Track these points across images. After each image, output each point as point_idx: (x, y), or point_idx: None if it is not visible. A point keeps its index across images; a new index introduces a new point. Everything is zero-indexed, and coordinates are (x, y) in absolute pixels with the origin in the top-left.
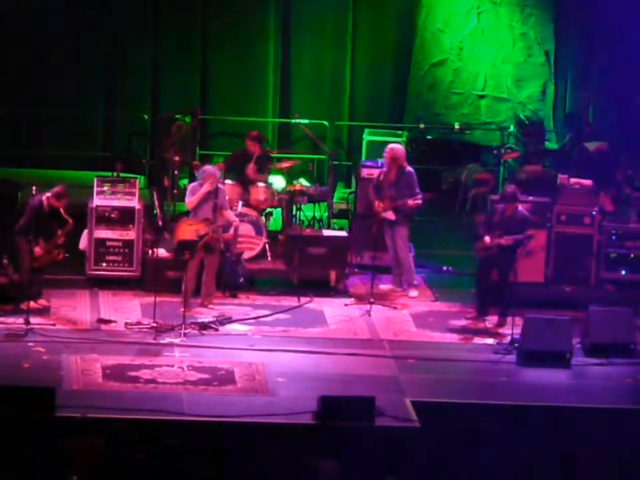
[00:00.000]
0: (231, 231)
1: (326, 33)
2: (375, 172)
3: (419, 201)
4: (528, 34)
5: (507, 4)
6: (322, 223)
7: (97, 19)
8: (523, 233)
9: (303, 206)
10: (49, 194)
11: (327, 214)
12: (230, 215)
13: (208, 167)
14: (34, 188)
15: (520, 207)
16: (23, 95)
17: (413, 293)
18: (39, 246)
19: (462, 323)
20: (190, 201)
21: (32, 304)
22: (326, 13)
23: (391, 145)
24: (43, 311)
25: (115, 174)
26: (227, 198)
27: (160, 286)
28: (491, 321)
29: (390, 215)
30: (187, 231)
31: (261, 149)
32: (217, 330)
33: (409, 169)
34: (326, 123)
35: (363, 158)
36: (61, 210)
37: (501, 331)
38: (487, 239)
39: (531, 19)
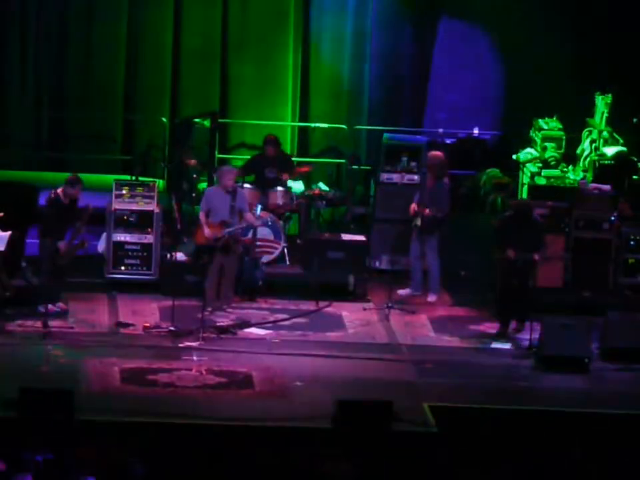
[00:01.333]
0: (250, 234)
1: (345, 37)
2: (394, 177)
3: (430, 212)
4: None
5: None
6: (340, 227)
7: (116, 21)
8: (541, 240)
9: (321, 210)
10: (62, 186)
11: (345, 218)
12: (251, 217)
13: (225, 167)
14: (52, 191)
15: (534, 217)
16: (42, 98)
17: (432, 298)
18: (62, 241)
19: (480, 327)
20: (201, 217)
21: (50, 307)
22: (345, 17)
23: (430, 153)
24: (62, 314)
25: (134, 177)
26: (246, 201)
27: (178, 290)
28: (510, 326)
29: (418, 222)
30: (206, 234)
31: (278, 152)
32: (235, 334)
33: (446, 180)
34: (345, 127)
35: (382, 162)
36: (78, 197)
37: (519, 335)
38: (511, 253)
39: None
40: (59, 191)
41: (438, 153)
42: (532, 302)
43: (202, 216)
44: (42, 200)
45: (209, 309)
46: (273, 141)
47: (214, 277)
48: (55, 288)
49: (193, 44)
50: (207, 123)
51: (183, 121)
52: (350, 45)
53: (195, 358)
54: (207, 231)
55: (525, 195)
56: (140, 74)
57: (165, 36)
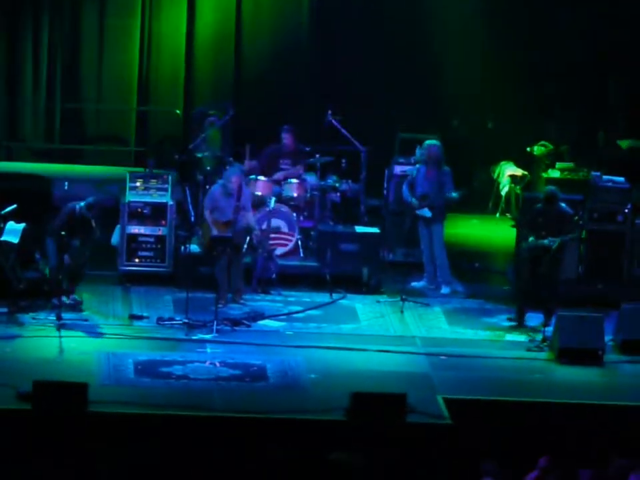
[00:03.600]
0: (264, 225)
1: (360, 26)
2: (408, 169)
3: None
4: None
5: None
6: (354, 220)
7: (130, 12)
8: (569, 231)
9: (335, 202)
10: (82, 203)
11: (359, 210)
12: (250, 218)
13: (230, 168)
14: (66, 183)
15: (563, 205)
16: (55, 90)
17: (445, 289)
18: (67, 254)
19: (494, 320)
20: (206, 215)
21: (64, 299)
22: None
23: (426, 143)
24: (75, 307)
25: (148, 169)
26: (250, 200)
27: (192, 282)
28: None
29: (426, 213)
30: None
31: (295, 143)
32: (249, 326)
33: (446, 168)
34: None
35: (396, 155)
36: (92, 221)
37: (533, 327)
38: (532, 240)
39: None
40: (77, 207)
41: (431, 142)
42: (556, 294)
43: (207, 214)
44: (54, 191)
45: (223, 301)
46: (289, 130)
47: (223, 269)
48: (69, 280)
49: (207, 34)
50: (221, 114)
51: (197, 113)
52: (365, 34)
53: (208, 350)
54: (213, 231)
55: (543, 187)
56: (154, 66)
57: (178, 27)
